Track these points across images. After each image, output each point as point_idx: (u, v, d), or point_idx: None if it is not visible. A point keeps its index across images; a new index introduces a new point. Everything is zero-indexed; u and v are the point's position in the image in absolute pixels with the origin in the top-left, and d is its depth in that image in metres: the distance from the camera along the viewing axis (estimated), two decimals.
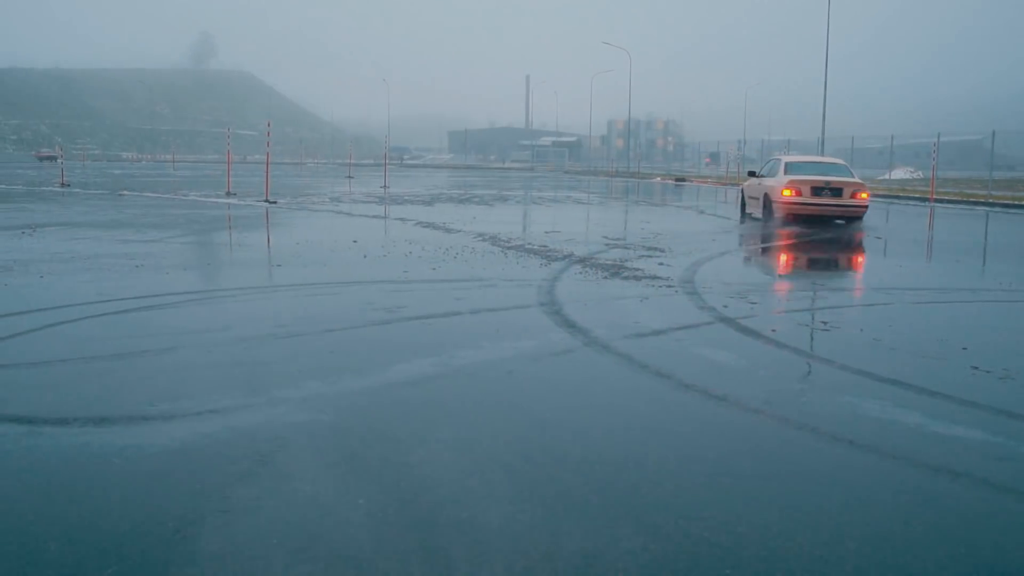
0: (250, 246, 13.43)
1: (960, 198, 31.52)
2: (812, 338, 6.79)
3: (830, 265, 12.46)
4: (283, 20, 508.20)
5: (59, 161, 39.60)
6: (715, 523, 3.31)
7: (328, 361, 5.77)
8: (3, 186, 32.62)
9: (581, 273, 10.02)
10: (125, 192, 29.03)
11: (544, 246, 12.88)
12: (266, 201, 23.06)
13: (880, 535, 3.24)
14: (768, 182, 18.76)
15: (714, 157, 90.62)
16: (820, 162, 20.11)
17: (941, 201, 30.42)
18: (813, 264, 12.43)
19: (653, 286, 9.06)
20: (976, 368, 5.77)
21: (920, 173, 57.90)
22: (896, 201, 32.11)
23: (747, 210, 20.90)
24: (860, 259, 12.96)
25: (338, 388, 5.06)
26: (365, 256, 11.44)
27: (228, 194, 26.51)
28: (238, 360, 5.78)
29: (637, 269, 10.39)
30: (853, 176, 18.42)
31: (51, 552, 2.99)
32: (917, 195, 33.75)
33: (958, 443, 4.31)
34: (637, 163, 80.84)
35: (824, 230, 16.85)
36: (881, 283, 10.11)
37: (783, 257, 12.95)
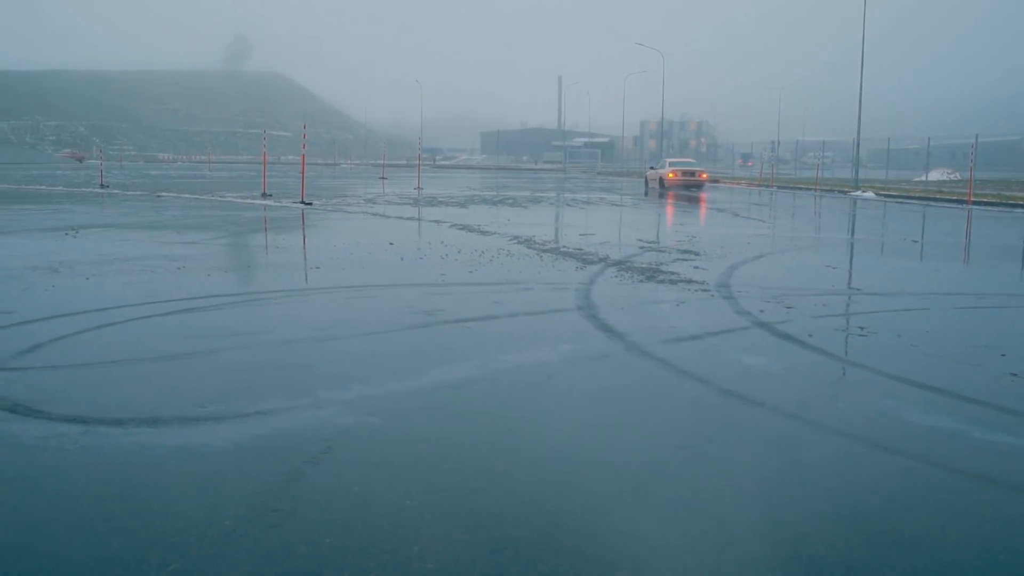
0: (288, 248, 13.61)
1: (999, 200, 31.19)
2: (850, 343, 6.80)
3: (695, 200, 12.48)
4: (317, 21, 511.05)
5: (82, 162, 40.10)
6: (754, 530, 3.38)
7: (370, 364, 5.88)
8: (44, 187, 33.18)
9: (617, 277, 10.08)
10: (163, 193, 29.41)
11: (579, 249, 12.95)
12: (302, 203, 23.29)
13: (917, 541, 3.29)
14: (661, 171, 38.98)
15: (746, 158, 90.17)
16: (685, 160, 43.64)
17: (979, 203, 30.14)
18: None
19: (689, 290, 9.10)
20: (1015, 375, 5.78)
21: (958, 174, 57.36)
22: (933, 204, 31.83)
23: (649, 186, 40.80)
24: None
25: (381, 391, 5.16)
26: (402, 259, 11.56)
27: (264, 195, 26.78)
28: (282, 362, 5.90)
29: (672, 273, 10.43)
30: (699, 166, 40.27)
31: (114, 548, 3.11)
32: (954, 197, 33.44)
33: (996, 449, 4.34)
34: None
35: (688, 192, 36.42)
36: (918, 288, 10.09)
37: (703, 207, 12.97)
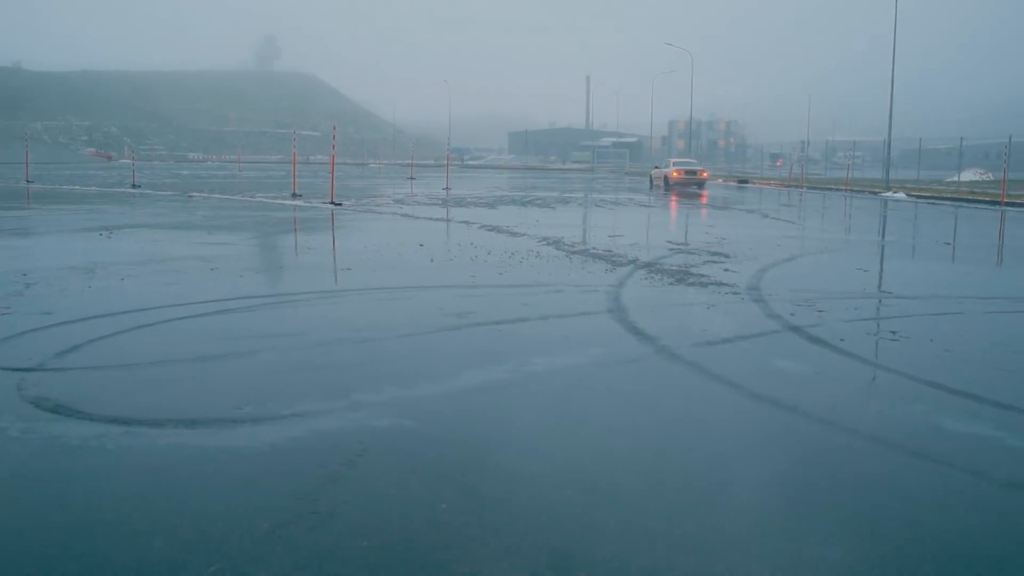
0: (319, 249, 13.71)
1: None
2: (882, 348, 6.78)
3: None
4: (346, 22, 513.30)
5: (110, 160, 40.70)
6: (786, 534, 3.39)
7: (403, 366, 5.93)
8: (78, 187, 33.57)
9: (647, 279, 10.09)
10: (194, 193, 29.68)
11: (608, 251, 12.96)
12: (332, 203, 23.44)
13: (953, 550, 3.30)
14: (666, 170, 42.43)
15: (775, 158, 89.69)
16: (687, 160, 48.08)
17: (1013, 205, 29.81)
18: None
19: (719, 293, 9.10)
20: None
21: (990, 175, 56.74)
22: (965, 205, 31.52)
23: (654, 183, 43.77)
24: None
25: (415, 393, 5.22)
26: (432, 260, 11.63)
27: (294, 196, 26.96)
28: (317, 364, 5.97)
29: (702, 275, 10.42)
30: (700, 166, 43.99)
31: (157, 548, 3.17)
32: (987, 198, 33.09)
33: None
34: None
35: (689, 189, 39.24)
36: (950, 291, 10.03)
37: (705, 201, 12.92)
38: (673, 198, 32.43)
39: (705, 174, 42.31)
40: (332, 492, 3.70)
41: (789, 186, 49.05)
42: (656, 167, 45.82)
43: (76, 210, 21.64)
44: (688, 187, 40.89)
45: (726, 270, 10.96)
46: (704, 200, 32.25)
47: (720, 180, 58.25)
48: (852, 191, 42.85)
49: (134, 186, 33.15)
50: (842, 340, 6.85)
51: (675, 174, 41.18)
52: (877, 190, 40.57)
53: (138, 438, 4.34)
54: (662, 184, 41.91)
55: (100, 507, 3.54)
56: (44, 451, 4.17)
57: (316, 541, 3.24)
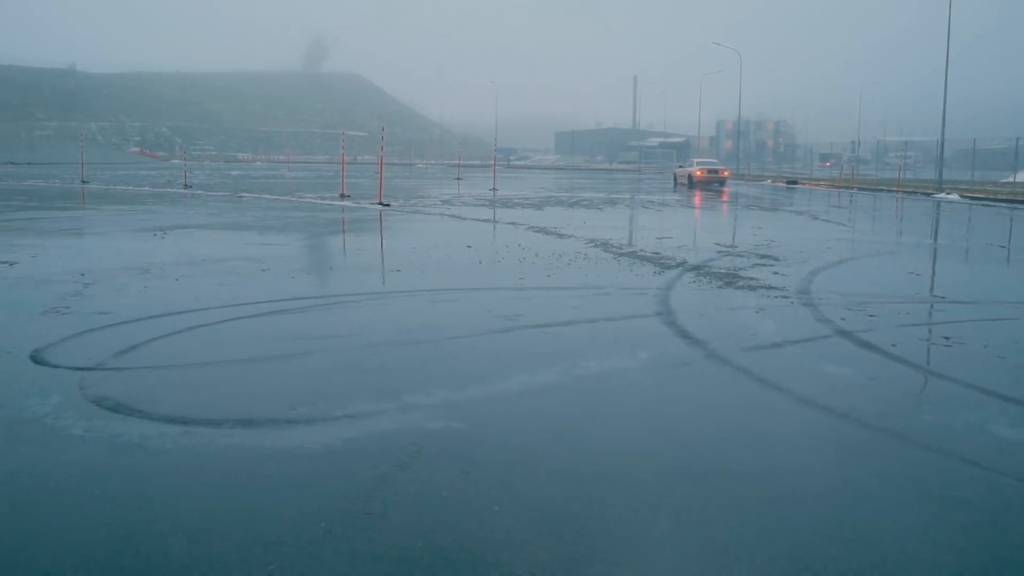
0: (368, 251, 13.84)
1: None
2: (935, 354, 6.72)
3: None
4: (393, 23, 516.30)
5: (158, 159, 41.34)
6: (837, 540, 3.39)
7: (454, 368, 5.99)
8: (132, 187, 34.16)
9: (695, 282, 10.07)
10: (244, 194, 30.07)
11: (656, 253, 12.94)
12: (380, 204, 23.62)
13: (1007, 558, 3.28)
14: (690, 169, 45.45)
15: (825, 158, 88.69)
16: (709, 160, 51.67)
17: None
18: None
19: (768, 296, 9.05)
20: None
21: None
22: (1021, 207, 30.94)
23: (678, 182, 47.70)
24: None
25: (466, 395, 5.27)
26: (480, 262, 11.69)
27: (342, 196, 27.21)
28: (368, 366, 6.05)
29: (751, 278, 10.37)
30: (721, 165, 47.34)
31: (216, 547, 3.25)
32: None
33: None
34: (747, 165, 79.63)
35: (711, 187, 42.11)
36: (1005, 296, 9.88)
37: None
38: (723, 200, 32.22)
39: (726, 173, 45.85)
40: (385, 493, 3.76)
41: (839, 187, 48.49)
42: (680, 167, 50.26)
43: (130, 210, 22.04)
44: (711, 184, 44.05)
45: (775, 273, 10.89)
46: (725, 196, 34.98)
47: (768, 181, 57.71)
48: (904, 192, 42.26)
49: (186, 186, 33.69)
50: (894, 345, 6.79)
51: (699, 173, 44.50)
52: (929, 191, 39.98)
53: (196, 438, 4.44)
54: (686, 182, 45.51)
55: (161, 505, 3.63)
56: (106, 450, 4.28)
57: (370, 541, 3.31)
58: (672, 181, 50.84)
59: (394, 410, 4.95)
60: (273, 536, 3.34)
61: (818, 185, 51.69)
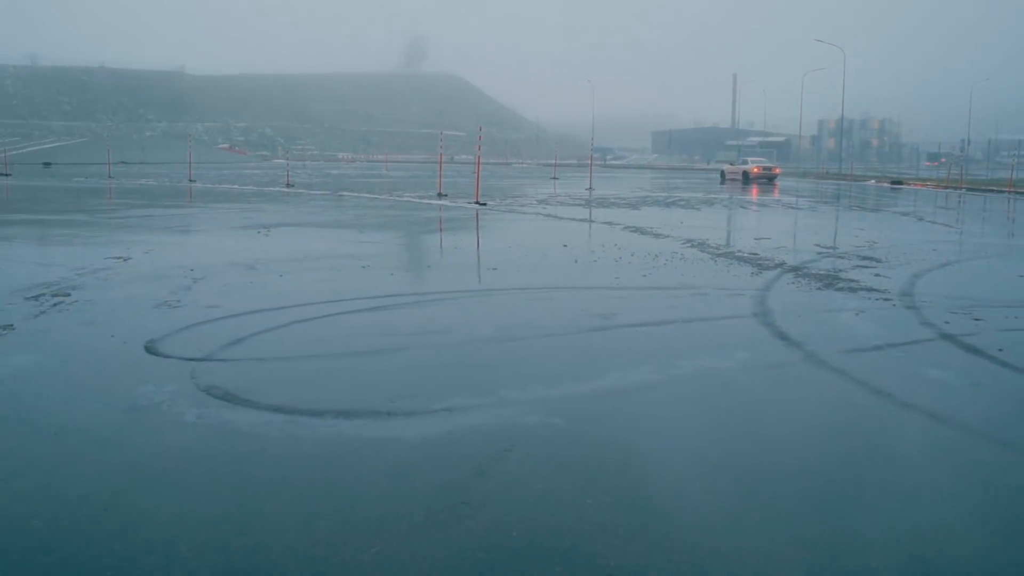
0: (465, 249, 14.02)
1: None
2: None
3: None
4: (491, 22, 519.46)
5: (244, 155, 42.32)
6: (936, 549, 3.36)
7: (549, 365, 6.07)
8: (236, 186, 35.16)
9: (794, 283, 9.94)
10: (344, 193, 30.67)
11: (754, 254, 12.80)
12: (476, 203, 23.84)
13: None
14: (744, 167, 51.05)
15: (934, 158, 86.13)
16: (760, 158, 60.35)
17: None
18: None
19: (869, 299, 8.89)
20: None
21: None
22: None
23: (728, 179, 51.14)
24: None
25: (561, 392, 5.34)
26: (576, 261, 11.74)
27: (440, 195, 27.54)
28: (465, 362, 6.17)
29: (852, 280, 10.19)
30: (774, 163, 56.29)
31: (321, 528, 3.39)
32: None
33: None
34: (849, 164, 77.78)
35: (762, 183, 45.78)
36: None
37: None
38: (839, 204, 31.52)
39: (777, 170, 52.01)
40: (482, 484, 3.85)
41: (947, 187, 47.01)
42: (730, 164, 56.58)
43: (236, 208, 22.72)
44: (761, 180, 49.13)
45: (877, 275, 10.67)
46: (776, 194, 36.64)
47: (872, 181, 56.30)
48: (1016, 193, 40.78)
49: (288, 185, 34.51)
50: (1000, 350, 6.61)
51: (755, 170, 50.13)
52: None
53: (300, 427, 4.62)
54: (740, 179, 50.24)
55: (267, 488, 3.80)
56: (217, 435, 4.48)
57: (468, 530, 3.40)
58: (720, 177, 54.87)
59: (490, 404, 5.05)
60: (374, 521, 3.46)
61: (924, 185, 50.21)
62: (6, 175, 42.43)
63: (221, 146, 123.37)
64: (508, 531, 3.40)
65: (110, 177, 41.81)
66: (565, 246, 13.41)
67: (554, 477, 3.96)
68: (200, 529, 3.41)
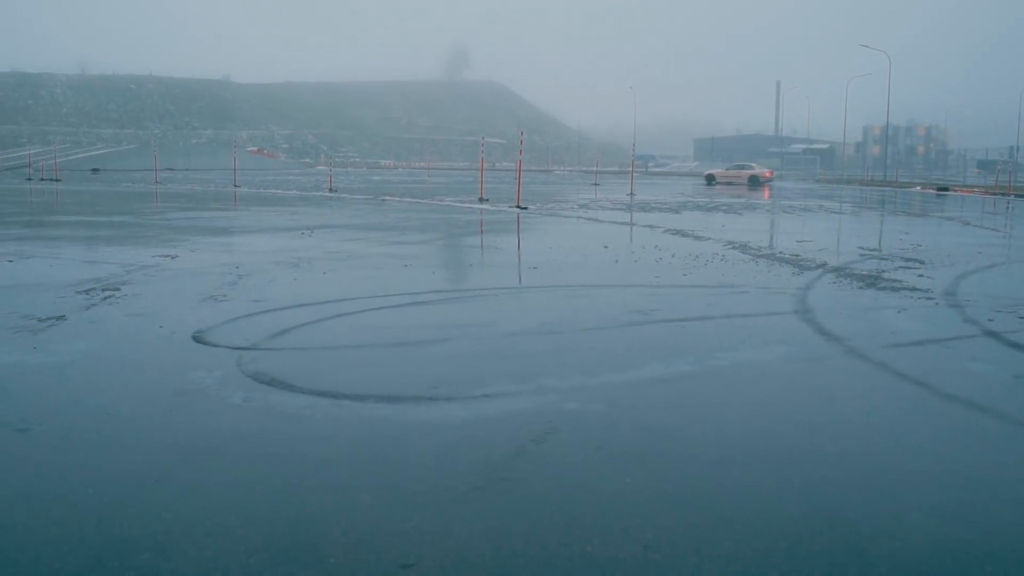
0: (506, 249, 14.11)
1: None
2: None
3: None
4: (533, 30, 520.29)
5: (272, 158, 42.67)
6: (975, 539, 3.37)
7: (589, 357, 6.12)
8: (279, 191, 35.57)
9: (835, 283, 9.90)
10: (386, 197, 30.92)
11: (796, 255, 12.74)
12: (517, 207, 23.93)
13: None
14: (744, 171, 56.42)
15: (981, 165, 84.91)
16: (749, 163, 62.76)
17: None
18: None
19: (912, 297, 8.83)
20: None
21: None
22: None
23: (715, 182, 55.34)
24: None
25: (600, 381, 5.39)
26: (616, 261, 11.78)
27: (481, 200, 27.66)
28: (505, 352, 6.24)
29: (895, 280, 10.12)
30: (764, 168, 60.25)
31: (364, 502, 3.48)
32: None
33: None
34: (895, 171, 76.91)
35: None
36: None
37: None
38: (886, 208, 31.26)
39: (769, 173, 57.36)
40: (521, 464, 3.92)
41: (995, 194, 46.34)
42: (719, 170, 61.64)
43: (280, 211, 23.02)
44: (744, 183, 53.81)
45: (920, 276, 10.59)
46: (767, 196, 37.27)
47: (917, 188, 55.64)
48: None
49: (331, 190, 34.85)
50: None
51: (767, 173, 56.25)
52: None
53: (344, 409, 4.72)
54: (746, 183, 53.87)
55: (312, 465, 3.90)
56: (263, 417, 4.60)
57: (507, 505, 3.47)
58: (705, 181, 58.15)
59: (530, 391, 5.12)
60: (416, 495, 3.55)
61: (971, 192, 49.51)
62: (56, 180, 43.32)
63: (251, 149, 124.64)
64: (547, 505, 3.46)
65: (157, 182, 42.50)
66: (606, 247, 13.44)
67: (593, 458, 4.02)
68: (247, 499, 3.51)
